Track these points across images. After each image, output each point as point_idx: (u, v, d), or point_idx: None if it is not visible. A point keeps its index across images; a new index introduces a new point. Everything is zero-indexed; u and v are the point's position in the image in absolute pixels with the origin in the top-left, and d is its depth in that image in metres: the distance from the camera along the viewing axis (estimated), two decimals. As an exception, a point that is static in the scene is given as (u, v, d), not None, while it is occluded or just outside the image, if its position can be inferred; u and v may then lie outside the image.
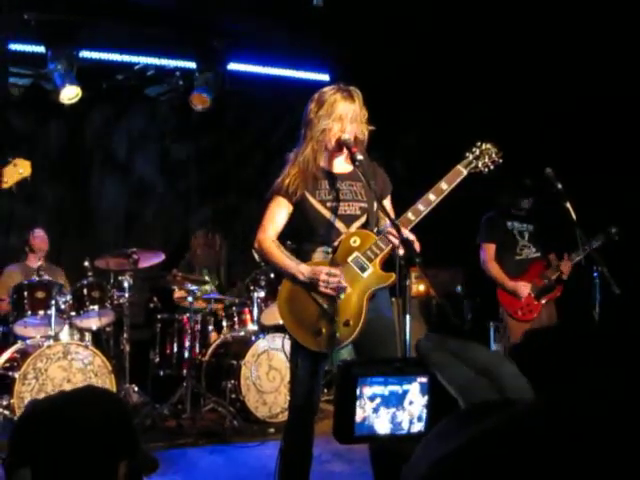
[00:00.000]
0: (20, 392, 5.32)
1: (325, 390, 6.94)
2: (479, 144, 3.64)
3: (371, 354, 3.35)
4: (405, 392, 1.15)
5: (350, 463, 4.95)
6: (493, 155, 3.61)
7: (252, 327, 6.60)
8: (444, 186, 3.44)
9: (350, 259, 3.33)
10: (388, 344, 3.34)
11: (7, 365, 5.66)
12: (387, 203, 3.54)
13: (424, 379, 1.15)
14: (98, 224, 7.94)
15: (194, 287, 6.42)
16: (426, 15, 6.74)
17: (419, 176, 8.36)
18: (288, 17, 6.90)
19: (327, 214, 3.37)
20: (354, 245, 3.35)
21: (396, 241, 3.21)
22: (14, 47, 6.76)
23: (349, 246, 3.34)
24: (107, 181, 8.01)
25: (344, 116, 3.35)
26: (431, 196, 3.42)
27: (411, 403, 1.15)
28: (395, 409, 1.15)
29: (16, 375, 5.35)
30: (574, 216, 4.85)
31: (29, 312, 5.73)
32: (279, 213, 3.43)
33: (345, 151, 3.40)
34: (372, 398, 1.15)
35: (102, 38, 7.06)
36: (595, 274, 4.93)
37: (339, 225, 3.38)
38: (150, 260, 6.47)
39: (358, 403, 1.14)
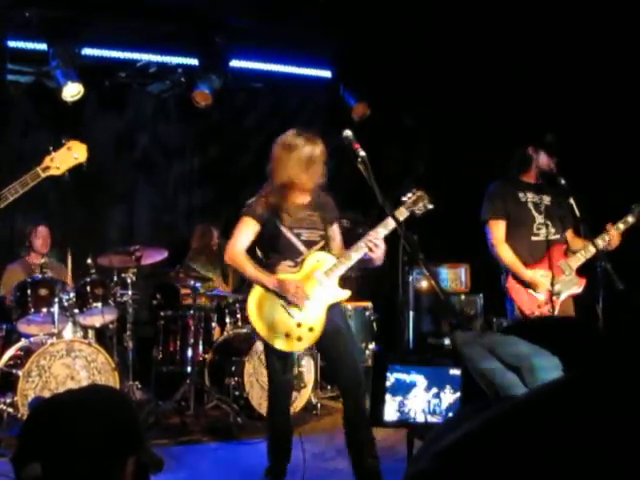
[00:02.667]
0: (24, 389, 5.32)
1: (329, 387, 6.95)
2: (414, 190, 4.13)
3: (327, 353, 4.17)
4: (438, 381, 1.16)
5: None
6: (426, 201, 4.13)
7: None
8: (381, 230, 3.98)
9: (314, 275, 4.01)
10: (340, 346, 4.03)
11: (11, 363, 5.66)
12: (336, 228, 4.25)
13: (457, 371, 1.15)
14: (101, 221, 7.94)
15: (197, 284, 6.42)
16: (428, 10, 6.73)
17: (419, 169, 8.40)
18: (290, 13, 6.90)
19: (293, 239, 4.05)
20: (317, 264, 4.04)
21: (374, 251, 3.89)
22: (16, 44, 6.76)
23: (313, 264, 4.04)
24: (110, 179, 8.02)
25: (314, 159, 4.00)
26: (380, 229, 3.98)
27: (444, 393, 1.16)
28: (429, 397, 1.16)
29: (20, 373, 5.36)
30: (578, 212, 4.76)
31: (32, 310, 5.72)
32: (248, 232, 4.09)
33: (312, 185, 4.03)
34: (403, 386, 1.16)
35: (104, 35, 7.05)
36: (598, 269, 4.81)
37: (302, 248, 4.06)
38: (153, 257, 6.47)
39: (389, 389, 1.15)
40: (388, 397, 1.20)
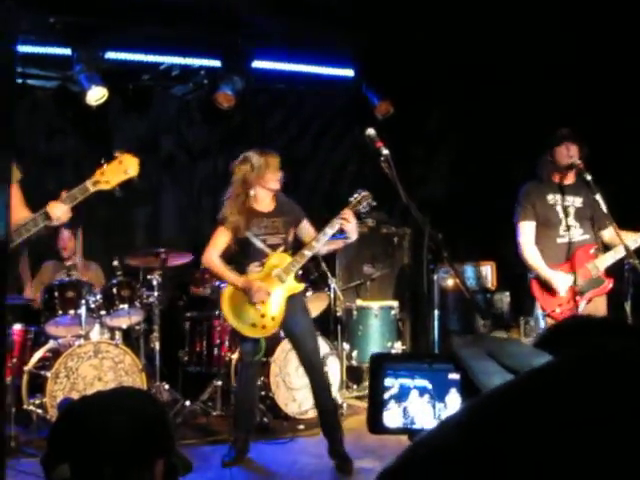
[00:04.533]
0: (52, 391, 5.37)
1: (355, 386, 6.94)
2: (360, 191, 4.83)
3: (290, 337, 5.06)
4: (442, 386, 1.15)
5: (381, 459, 4.92)
6: (370, 200, 4.81)
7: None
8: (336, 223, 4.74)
9: (274, 273, 4.83)
10: (301, 333, 4.91)
11: (39, 364, 5.72)
12: (306, 224, 5.00)
13: (456, 375, 1.14)
14: (127, 223, 7.99)
15: (222, 284, 6.45)
16: (452, 7, 6.68)
17: (443, 168, 8.36)
18: (311, 13, 6.89)
19: (258, 244, 4.85)
20: (276, 263, 4.84)
21: (346, 225, 4.69)
22: (40, 50, 6.82)
23: (273, 264, 4.85)
24: (135, 180, 8.06)
25: (274, 168, 4.82)
26: (328, 230, 4.75)
27: (449, 397, 1.15)
28: (434, 402, 1.15)
29: (48, 374, 5.41)
30: (605, 208, 4.69)
31: (60, 312, 5.78)
32: (221, 240, 4.88)
33: (267, 192, 4.87)
34: (408, 391, 1.15)
35: (127, 39, 7.09)
36: (626, 266, 4.73)
37: (267, 251, 4.86)
38: (179, 258, 6.52)
39: (389, 395, 1.14)
40: (392, 403, 1.19)
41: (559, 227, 4.85)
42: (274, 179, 4.86)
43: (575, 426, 0.68)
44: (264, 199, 4.94)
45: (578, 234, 4.85)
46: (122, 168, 3.75)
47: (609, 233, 4.90)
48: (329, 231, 4.76)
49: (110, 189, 3.74)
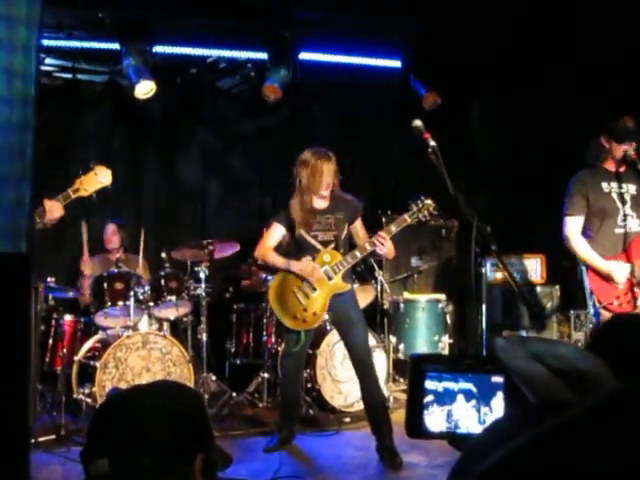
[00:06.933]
0: (101, 381, 5.46)
1: (401, 379, 6.90)
2: (422, 198, 4.83)
3: (340, 332, 5.11)
4: (487, 389, 1.11)
5: (427, 454, 4.89)
6: (431, 209, 4.85)
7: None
8: (393, 228, 4.82)
9: (322, 270, 4.89)
10: (351, 327, 4.93)
11: (89, 354, 5.82)
12: (359, 224, 5.05)
13: (500, 378, 1.10)
14: (174, 216, 8.06)
15: (269, 277, 6.46)
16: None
17: (490, 164, 8.24)
18: (358, 4, 6.84)
19: (311, 240, 4.94)
20: (326, 260, 4.92)
21: (381, 248, 4.74)
22: (90, 45, 6.92)
23: (322, 260, 4.93)
24: (183, 173, 8.13)
25: (325, 173, 4.82)
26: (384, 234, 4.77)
27: (495, 401, 1.12)
28: (480, 406, 1.12)
29: (97, 364, 5.49)
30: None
31: (109, 303, 5.86)
32: (276, 235, 5.07)
33: (324, 192, 4.87)
34: (452, 395, 1.12)
35: (174, 32, 7.14)
36: None
37: (319, 247, 4.94)
38: (225, 251, 6.54)
39: (432, 398, 1.11)
40: (435, 406, 1.15)
41: (617, 217, 4.66)
42: (323, 187, 4.87)
43: None
44: (319, 198, 4.98)
45: (635, 225, 4.66)
46: (97, 178, 4.39)
47: None
48: (368, 247, 4.83)
49: (88, 196, 4.37)
